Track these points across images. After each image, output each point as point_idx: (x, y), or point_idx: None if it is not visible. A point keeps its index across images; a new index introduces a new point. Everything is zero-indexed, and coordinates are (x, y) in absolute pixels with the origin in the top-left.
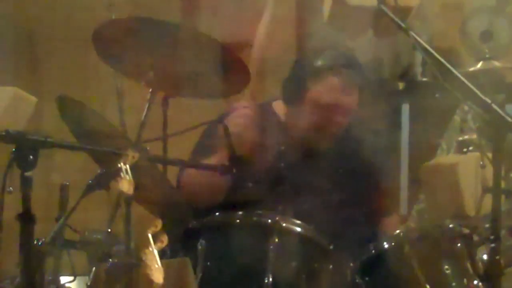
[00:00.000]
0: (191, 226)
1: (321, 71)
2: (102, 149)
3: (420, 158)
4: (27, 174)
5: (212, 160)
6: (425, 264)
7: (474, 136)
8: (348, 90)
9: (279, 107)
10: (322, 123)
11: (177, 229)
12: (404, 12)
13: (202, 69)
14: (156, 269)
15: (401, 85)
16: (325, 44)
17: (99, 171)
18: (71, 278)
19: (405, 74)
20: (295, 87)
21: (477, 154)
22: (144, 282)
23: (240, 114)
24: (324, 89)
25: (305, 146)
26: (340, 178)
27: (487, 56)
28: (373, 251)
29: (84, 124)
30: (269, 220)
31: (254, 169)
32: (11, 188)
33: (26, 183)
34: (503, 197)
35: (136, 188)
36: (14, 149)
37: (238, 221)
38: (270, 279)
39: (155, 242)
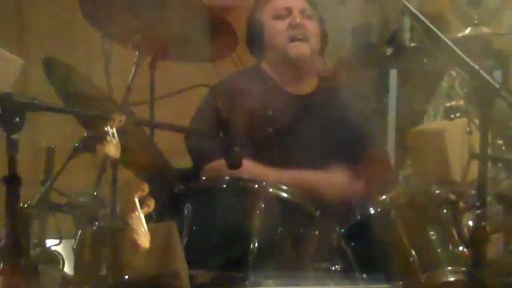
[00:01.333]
0: (178, 190)
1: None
2: (89, 112)
3: (407, 124)
4: (13, 136)
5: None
6: (411, 230)
7: (462, 102)
8: None
9: (267, 65)
10: (286, 52)
11: (164, 193)
12: None
13: (190, 33)
14: (142, 233)
15: (389, 51)
16: None
17: (85, 134)
18: (57, 241)
19: (393, 40)
20: (255, 33)
21: (464, 120)
22: (130, 246)
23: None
24: (272, 7)
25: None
26: (327, 142)
27: (475, 22)
28: (359, 217)
29: (71, 87)
30: (256, 185)
31: (242, 133)
32: None
33: (12, 145)
34: (489, 163)
35: (123, 151)
36: (0, 111)
37: (224, 185)
38: (256, 244)
39: (141, 206)
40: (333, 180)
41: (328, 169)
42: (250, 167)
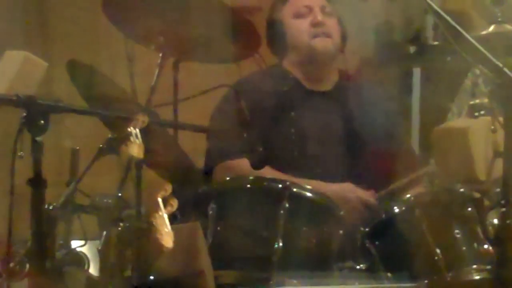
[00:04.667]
0: (202, 190)
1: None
2: (112, 114)
3: (431, 122)
4: (38, 139)
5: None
6: (435, 228)
7: (486, 100)
8: None
9: (289, 64)
10: (312, 47)
11: (188, 193)
12: None
13: (213, 33)
14: (166, 233)
15: (412, 49)
16: None
17: (109, 135)
18: (82, 242)
19: (417, 38)
20: (276, 33)
21: (489, 118)
22: (155, 246)
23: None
24: (293, 7)
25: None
26: (350, 141)
27: (499, 19)
28: (384, 216)
29: (95, 89)
30: (280, 185)
31: (265, 133)
32: (22, 153)
33: (37, 148)
34: None
35: (147, 152)
36: (24, 114)
37: (248, 185)
38: (280, 244)
39: (165, 206)
40: (346, 195)
41: (346, 180)
42: (267, 174)
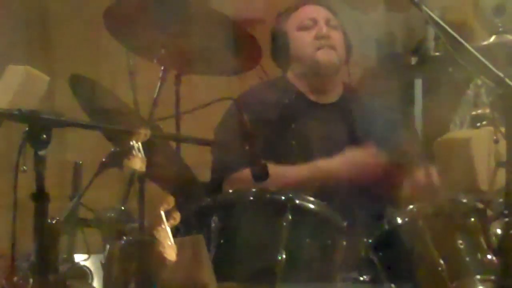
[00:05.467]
0: (204, 203)
1: (287, 12)
2: (115, 127)
3: (433, 133)
4: (41, 153)
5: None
6: (438, 239)
7: (488, 111)
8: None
9: (294, 76)
10: (316, 60)
11: (190, 206)
12: None
13: (214, 46)
14: (169, 246)
15: (413, 60)
16: None
17: (112, 149)
18: (86, 256)
19: (418, 49)
20: (281, 45)
21: (491, 128)
22: (158, 260)
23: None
24: (297, 19)
25: (316, 109)
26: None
27: (500, 29)
28: (387, 227)
29: (97, 102)
30: (283, 197)
31: (267, 145)
32: (25, 167)
33: (39, 162)
34: None
35: (149, 165)
36: (27, 128)
37: (251, 198)
38: (283, 256)
39: (167, 219)
40: (351, 159)
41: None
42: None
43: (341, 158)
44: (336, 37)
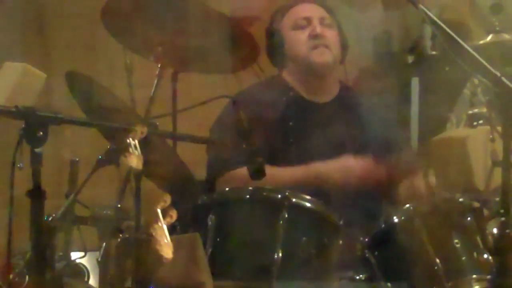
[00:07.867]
0: (201, 201)
1: (282, 10)
2: (111, 125)
3: (430, 132)
4: (37, 150)
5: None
6: (435, 238)
7: (484, 110)
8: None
9: (289, 75)
10: (310, 60)
11: (187, 204)
12: None
13: (211, 44)
14: (165, 244)
15: (410, 59)
16: None
17: (108, 146)
18: (82, 253)
19: (415, 48)
20: (276, 44)
21: (487, 127)
22: (154, 258)
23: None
24: (291, 18)
25: (311, 108)
26: (350, 151)
27: (497, 28)
28: (383, 226)
29: (94, 100)
30: (279, 195)
31: (263, 144)
32: (21, 164)
33: (36, 159)
34: None
35: (146, 163)
36: (23, 125)
37: (248, 196)
38: (280, 254)
39: (164, 217)
40: (345, 165)
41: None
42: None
43: (336, 164)
44: (331, 36)
